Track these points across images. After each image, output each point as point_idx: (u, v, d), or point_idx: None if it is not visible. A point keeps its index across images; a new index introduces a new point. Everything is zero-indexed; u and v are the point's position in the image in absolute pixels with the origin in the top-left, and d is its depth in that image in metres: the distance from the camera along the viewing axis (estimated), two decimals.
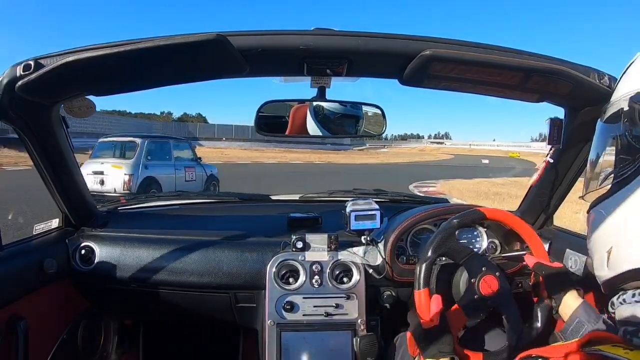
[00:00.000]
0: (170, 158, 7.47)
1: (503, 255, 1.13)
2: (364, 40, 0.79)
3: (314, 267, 1.16)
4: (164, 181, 7.14)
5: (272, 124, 1.07)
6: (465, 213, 0.98)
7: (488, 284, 0.92)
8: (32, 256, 1.07)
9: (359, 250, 1.19)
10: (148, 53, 0.76)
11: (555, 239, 1.23)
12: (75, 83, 0.87)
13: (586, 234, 0.62)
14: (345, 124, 1.09)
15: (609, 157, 0.57)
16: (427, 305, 0.87)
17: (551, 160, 1.10)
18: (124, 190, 6.47)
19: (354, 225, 1.20)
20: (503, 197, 9.32)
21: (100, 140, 7.51)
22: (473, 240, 1.22)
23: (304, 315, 1.15)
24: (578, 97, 0.88)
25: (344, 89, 1.03)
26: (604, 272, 0.55)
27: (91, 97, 0.95)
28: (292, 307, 1.14)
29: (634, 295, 0.50)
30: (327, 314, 1.14)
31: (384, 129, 1.10)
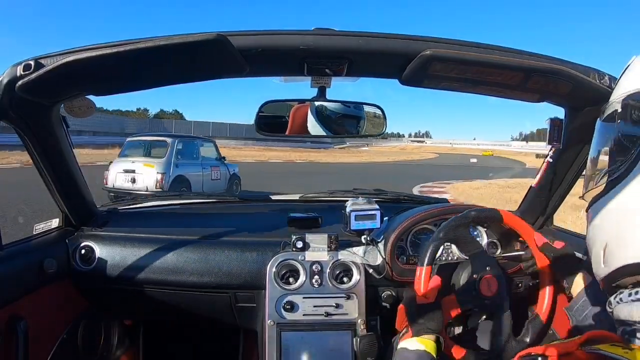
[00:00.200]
0: (197, 157, 7.61)
1: (503, 255, 1.13)
2: (364, 40, 0.79)
3: (314, 267, 1.16)
4: (193, 179, 7.26)
5: (272, 123, 1.07)
6: (484, 210, 0.99)
7: (488, 284, 0.92)
8: (32, 256, 1.07)
9: (359, 250, 1.19)
10: (148, 53, 0.76)
11: (555, 239, 1.23)
12: (75, 83, 0.87)
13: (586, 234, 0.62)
14: (347, 124, 1.09)
15: (606, 156, 0.57)
16: (426, 282, 0.88)
17: (551, 160, 1.10)
18: (156, 188, 6.57)
19: (354, 225, 1.20)
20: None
21: (129, 139, 7.69)
22: (459, 250, 1.22)
23: (304, 315, 1.15)
24: (578, 97, 0.88)
25: (344, 89, 1.03)
26: (600, 269, 0.56)
27: (91, 97, 0.95)
28: (292, 307, 1.14)
29: (630, 295, 0.50)
30: (327, 314, 1.14)
31: (384, 129, 1.10)
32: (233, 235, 1.27)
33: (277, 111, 1.06)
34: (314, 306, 1.15)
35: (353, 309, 1.16)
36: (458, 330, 1.11)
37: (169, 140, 7.24)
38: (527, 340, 0.93)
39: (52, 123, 0.99)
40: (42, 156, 1.02)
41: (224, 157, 8.29)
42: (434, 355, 0.81)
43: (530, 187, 1.29)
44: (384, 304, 1.18)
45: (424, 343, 0.81)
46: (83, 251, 1.19)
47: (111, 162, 7.12)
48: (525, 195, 1.33)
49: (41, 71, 0.77)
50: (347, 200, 1.26)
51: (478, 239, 1.21)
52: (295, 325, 1.14)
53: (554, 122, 0.99)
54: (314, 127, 1.05)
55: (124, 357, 1.53)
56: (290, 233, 1.21)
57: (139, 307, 1.32)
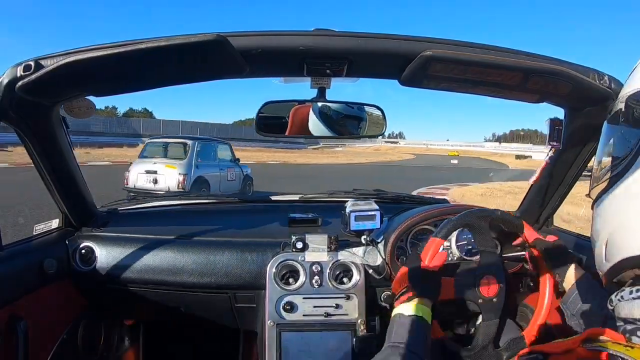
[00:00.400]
0: (215, 159, 7.85)
1: (503, 255, 1.13)
2: (364, 40, 0.79)
3: (313, 267, 1.16)
4: (211, 180, 7.47)
5: (272, 124, 1.07)
6: (511, 218, 0.99)
7: (488, 286, 0.93)
8: (32, 256, 1.07)
9: (359, 250, 1.19)
10: (148, 53, 0.76)
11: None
12: (76, 83, 0.87)
13: (585, 235, 0.63)
14: (349, 125, 1.10)
15: (610, 155, 0.58)
16: (433, 253, 0.89)
17: (551, 161, 1.10)
18: (178, 189, 6.79)
19: (354, 225, 1.20)
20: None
21: (149, 140, 8.05)
22: (468, 241, 1.22)
23: (304, 315, 1.15)
24: (578, 98, 0.88)
25: (343, 90, 1.04)
26: (602, 265, 0.56)
27: (91, 98, 0.95)
28: (292, 308, 1.14)
29: (631, 292, 0.51)
30: (327, 314, 1.14)
31: (384, 129, 1.10)
32: (233, 235, 1.27)
33: (276, 112, 1.06)
34: (314, 307, 1.15)
35: (353, 310, 1.16)
36: (456, 330, 1.11)
37: (189, 142, 7.44)
38: (525, 340, 0.93)
39: (52, 123, 0.99)
40: (42, 156, 1.02)
41: (238, 159, 8.51)
42: (429, 323, 0.81)
43: (530, 187, 1.29)
44: (383, 304, 1.18)
45: (421, 309, 0.81)
46: (83, 251, 1.19)
47: (131, 162, 7.42)
48: (525, 196, 1.33)
49: (41, 72, 0.77)
50: (347, 201, 1.26)
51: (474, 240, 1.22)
52: (295, 326, 1.14)
53: (553, 122, 0.99)
54: (316, 127, 1.05)
55: (124, 357, 1.53)
56: (290, 233, 1.21)
57: (139, 307, 1.32)
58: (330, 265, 1.17)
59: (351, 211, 1.20)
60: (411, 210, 1.26)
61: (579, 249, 1.14)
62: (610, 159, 0.57)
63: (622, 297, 0.52)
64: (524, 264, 1.09)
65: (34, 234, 1.17)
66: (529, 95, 0.91)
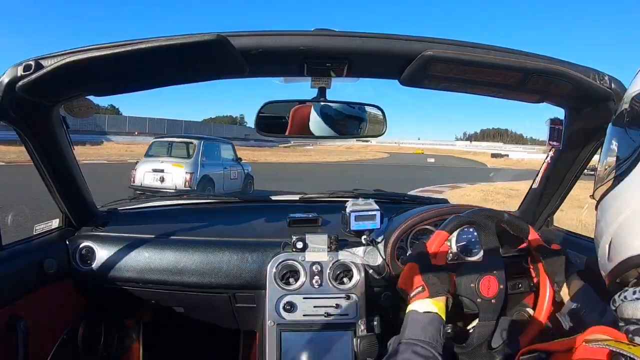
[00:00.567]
0: (219, 158, 8.06)
1: (503, 255, 1.13)
2: (364, 40, 0.79)
3: (314, 267, 1.16)
4: (216, 179, 7.68)
5: (272, 124, 1.07)
6: (519, 222, 0.99)
7: (487, 285, 0.92)
8: (32, 256, 1.07)
9: (359, 250, 1.19)
10: (148, 53, 0.76)
11: (555, 239, 1.23)
12: (76, 83, 0.87)
13: (585, 235, 0.63)
14: (350, 125, 1.10)
15: (614, 155, 0.58)
16: (438, 246, 0.90)
17: (551, 161, 1.10)
18: (185, 187, 6.98)
19: (354, 225, 1.20)
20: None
21: (154, 140, 8.19)
22: (473, 240, 1.22)
23: (304, 315, 1.15)
24: (578, 98, 0.88)
25: (343, 90, 1.03)
26: (605, 265, 0.56)
27: (91, 98, 0.95)
28: (292, 308, 1.14)
29: (634, 293, 0.51)
30: (327, 315, 1.14)
31: (384, 129, 1.10)
32: (233, 235, 1.27)
33: (277, 112, 1.06)
34: (314, 306, 1.15)
35: (353, 310, 1.16)
36: (452, 328, 1.11)
37: (195, 141, 7.65)
38: (524, 341, 0.93)
39: (52, 123, 0.99)
40: (42, 156, 1.02)
41: (240, 158, 8.72)
42: (444, 319, 0.81)
43: (530, 187, 1.29)
44: (384, 304, 1.18)
45: (436, 305, 0.82)
46: (83, 251, 1.19)
47: (138, 161, 7.61)
48: (525, 196, 1.33)
49: (41, 72, 0.77)
50: (347, 201, 1.26)
51: (479, 238, 1.22)
52: (295, 326, 1.14)
53: (553, 122, 0.99)
54: (316, 127, 1.05)
55: (124, 357, 1.53)
56: (290, 233, 1.21)
57: (139, 307, 1.32)
58: (330, 265, 1.17)
59: (351, 211, 1.20)
60: (411, 210, 1.26)
61: (579, 249, 1.14)
62: (614, 159, 0.57)
63: (625, 297, 0.52)
64: (524, 266, 1.09)
65: (34, 233, 1.17)
66: (529, 95, 0.91)
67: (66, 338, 1.20)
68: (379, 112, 1.08)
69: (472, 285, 0.93)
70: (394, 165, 23.48)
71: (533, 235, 0.98)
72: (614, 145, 0.58)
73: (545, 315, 0.96)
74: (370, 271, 1.17)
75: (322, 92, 0.97)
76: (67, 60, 0.76)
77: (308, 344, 1.14)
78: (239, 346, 1.61)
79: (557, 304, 0.94)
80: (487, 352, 0.93)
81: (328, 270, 1.16)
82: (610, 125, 0.61)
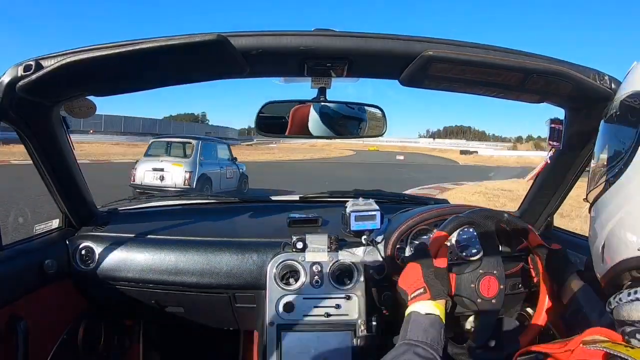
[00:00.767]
0: (216, 157, 8.35)
1: (503, 256, 1.13)
2: (364, 40, 0.79)
3: (314, 267, 1.16)
4: (213, 178, 7.98)
5: (271, 124, 1.07)
6: (518, 222, 1.00)
7: (487, 285, 0.92)
8: (32, 256, 1.07)
9: (359, 250, 1.19)
10: (149, 54, 0.76)
11: (555, 240, 1.23)
12: (76, 83, 0.87)
13: (585, 235, 0.63)
14: (349, 125, 1.10)
15: (606, 157, 0.58)
16: (438, 246, 0.90)
17: (551, 161, 1.10)
18: (184, 185, 7.28)
19: (354, 225, 1.20)
20: None
21: (153, 140, 8.48)
22: (473, 240, 1.22)
23: (304, 315, 1.15)
24: (578, 98, 0.88)
25: (343, 90, 1.03)
26: (600, 267, 0.56)
27: (91, 98, 0.95)
28: (292, 308, 1.14)
29: (629, 294, 0.51)
30: (327, 315, 1.14)
31: (384, 129, 1.10)
32: (233, 235, 1.27)
33: (277, 112, 1.06)
34: (314, 307, 1.15)
35: (353, 310, 1.16)
36: (451, 328, 1.11)
37: (193, 141, 7.93)
38: (524, 341, 0.93)
39: (53, 123, 0.99)
40: (42, 156, 1.03)
41: (235, 158, 8.98)
42: (443, 322, 0.81)
43: (530, 187, 1.29)
44: (384, 304, 1.18)
45: (438, 307, 0.81)
46: (83, 251, 1.19)
47: (137, 160, 7.87)
48: (525, 196, 1.33)
49: (41, 72, 0.77)
50: (347, 201, 1.26)
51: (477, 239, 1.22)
52: (295, 326, 1.14)
53: (554, 122, 0.99)
54: (316, 127, 1.06)
55: (124, 357, 1.53)
56: (290, 234, 1.21)
57: (139, 307, 1.32)
58: (330, 265, 1.17)
59: (351, 211, 1.20)
60: (411, 210, 1.26)
61: (579, 249, 1.14)
62: (606, 161, 0.57)
63: (620, 299, 0.52)
64: (524, 267, 1.09)
65: (34, 233, 1.17)
66: (529, 95, 0.91)
67: (66, 338, 1.20)
68: (379, 112, 1.08)
69: (472, 285, 0.93)
70: (363, 164, 22.12)
71: (533, 235, 0.98)
72: (606, 147, 0.58)
73: (544, 316, 0.96)
74: (370, 271, 1.17)
75: (322, 92, 0.97)
76: (67, 60, 0.76)
77: (308, 344, 1.14)
78: (239, 346, 1.61)
79: (556, 304, 0.94)
80: (487, 352, 0.93)
81: (328, 271, 1.16)
82: (602, 125, 0.61)
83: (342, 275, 1.17)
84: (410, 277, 0.87)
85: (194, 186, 7.28)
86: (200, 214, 1.56)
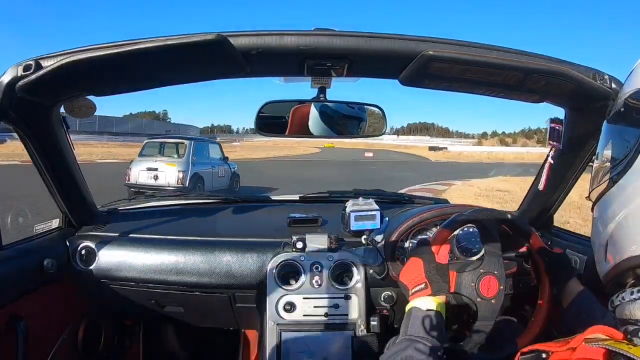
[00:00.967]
0: (208, 157, 8.64)
1: (504, 256, 1.13)
2: (365, 40, 0.79)
3: (314, 267, 1.16)
4: (205, 177, 8.25)
5: (271, 124, 1.07)
6: (522, 223, 1.00)
7: (487, 285, 0.92)
8: (32, 256, 1.07)
9: (359, 250, 1.19)
10: (148, 53, 0.76)
11: (555, 239, 1.23)
12: (76, 83, 0.87)
13: (585, 235, 0.63)
14: (349, 125, 1.10)
15: (609, 156, 0.58)
16: (440, 244, 0.91)
17: (551, 161, 1.10)
18: (177, 184, 7.57)
19: (354, 225, 1.20)
20: None
21: (147, 140, 8.77)
22: (472, 239, 1.22)
23: (304, 315, 1.15)
24: (578, 98, 0.88)
25: (344, 90, 1.03)
26: (602, 266, 0.56)
27: (91, 97, 0.95)
28: (292, 308, 1.14)
29: (632, 293, 0.51)
30: (327, 315, 1.14)
31: (384, 129, 1.10)
32: (233, 235, 1.27)
33: (277, 111, 1.06)
34: (314, 306, 1.15)
35: (353, 310, 1.16)
36: (450, 326, 1.11)
37: (186, 142, 8.21)
38: (523, 341, 0.93)
39: (52, 123, 0.99)
40: (42, 156, 1.03)
41: (226, 157, 9.25)
42: (444, 317, 0.82)
43: (530, 187, 1.29)
44: (383, 304, 1.18)
45: (438, 303, 0.82)
46: (83, 251, 1.19)
47: (132, 161, 8.13)
48: (525, 196, 1.33)
49: (41, 72, 0.77)
50: (347, 201, 1.26)
51: (478, 239, 1.21)
52: (295, 326, 1.14)
53: (553, 122, 0.99)
54: (316, 127, 1.06)
55: (124, 357, 1.53)
56: (290, 233, 1.21)
57: (139, 307, 1.32)
58: (330, 265, 1.17)
59: (351, 211, 1.20)
60: (411, 210, 1.26)
61: (579, 249, 1.14)
62: (609, 160, 0.56)
63: (623, 298, 0.52)
64: (525, 267, 1.09)
65: (34, 233, 1.17)
66: (529, 95, 0.91)
67: (66, 338, 1.20)
68: (379, 112, 1.08)
69: (472, 284, 0.93)
70: (330, 162, 20.64)
71: (535, 237, 0.98)
72: (609, 146, 0.58)
73: (544, 317, 0.96)
74: (370, 271, 1.17)
75: (322, 91, 0.97)
76: (67, 60, 0.76)
77: (308, 344, 1.14)
78: (239, 346, 1.61)
79: (556, 306, 0.94)
80: (487, 352, 0.93)
81: (328, 271, 1.16)
82: (605, 124, 0.61)
83: (342, 275, 1.17)
84: (412, 272, 0.88)
85: (187, 185, 7.57)
86: (200, 213, 1.56)
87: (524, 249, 1.05)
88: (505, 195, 8.92)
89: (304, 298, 1.15)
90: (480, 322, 0.94)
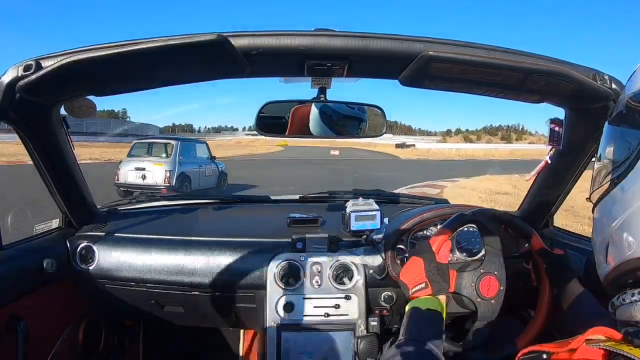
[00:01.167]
0: (195, 156, 8.96)
1: (505, 256, 1.13)
2: (365, 40, 0.79)
3: (314, 267, 1.16)
4: (192, 176, 8.59)
5: (271, 124, 1.07)
6: (522, 224, 1.02)
7: (487, 285, 0.92)
8: (32, 256, 1.07)
9: (359, 250, 1.19)
10: (149, 54, 0.76)
11: (555, 240, 1.23)
12: (76, 83, 0.87)
13: (585, 235, 0.63)
14: (348, 125, 1.10)
15: (611, 157, 0.58)
16: (441, 243, 0.91)
17: (551, 161, 1.10)
18: (164, 183, 7.92)
19: (354, 225, 1.20)
20: None
21: (136, 141, 9.09)
22: (473, 239, 1.22)
23: (304, 315, 1.15)
24: (578, 98, 0.88)
25: (343, 90, 1.03)
26: (602, 268, 0.56)
27: (92, 98, 0.95)
28: (292, 308, 1.14)
29: (633, 295, 0.50)
30: (327, 315, 1.14)
31: (384, 129, 1.10)
32: (233, 235, 1.27)
33: (277, 111, 1.06)
34: (314, 307, 1.15)
35: (353, 310, 1.16)
36: (449, 326, 1.11)
37: (173, 142, 8.48)
38: (522, 342, 0.93)
39: (52, 123, 0.99)
40: (42, 156, 1.03)
41: (214, 157, 9.59)
42: (444, 317, 0.82)
43: (530, 187, 1.29)
44: (383, 304, 1.18)
45: (437, 304, 0.82)
46: (83, 251, 1.19)
47: (121, 161, 8.44)
48: (525, 196, 1.33)
49: (41, 72, 0.77)
50: (347, 201, 1.26)
51: (478, 239, 1.21)
52: (295, 326, 1.14)
53: (553, 122, 0.99)
54: (316, 127, 1.06)
55: (124, 357, 1.53)
56: (290, 233, 1.21)
57: (139, 307, 1.32)
58: (330, 265, 1.17)
59: (351, 211, 1.20)
60: (411, 210, 1.26)
61: (579, 249, 1.14)
62: (611, 161, 0.56)
63: (623, 299, 0.52)
64: (525, 267, 1.09)
65: (34, 233, 1.17)
66: (529, 95, 0.91)
67: (66, 338, 1.20)
68: (379, 112, 1.08)
69: (472, 284, 0.93)
70: (294, 161, 19.86)
71: (536, 238, 0.98)
72: (610, 147, 0.57)
73: (544, 317, 0.96)
74: (370, 271, 1.17)
75: (322, 92, 0.97)
76: (67, 60, 0.75)
77: (308, 344, 1.14)
78: (239, 346, 1.61)
79: (556, 306, 0.94)
80: (486, 352, 0.93)
81: (328, 270, 1.16)
82: (606, 126, 0.61)
83: (341, 275, 1.17)
84: (412, 271, 0.88)
85: (174, 184, 7.92)
86: (200, 214, 1.56)
87: (524, 250, 1.05)
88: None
89: (304, 298, 1.15)
90: (480, 322, 0.94)
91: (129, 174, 8.02)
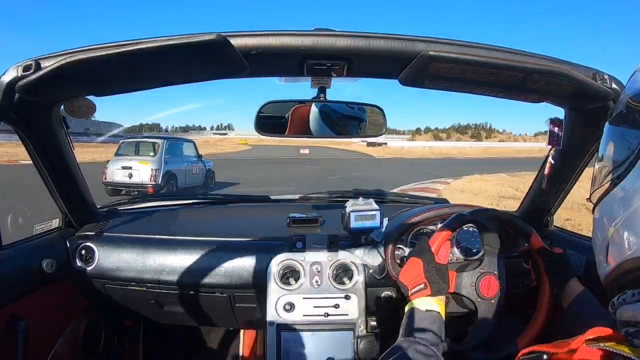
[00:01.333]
0: (182, 155, 9.15)
1: (505, 256, 1.13)
2: (364, 40, 0.79)
3: (314, 267, 1.16)
4: (179, 174, 8.79)
5: (271, 124, 1.07)
6: (522, 224, 1.02)
7: (487, 285, 0.92)
8: (32, 256, 1.07)
9: (359, 250, 1.19)
10: (148, 53, 0.76)
11: (555, 240, 1.23)
12: (76, 83, 0.87)
13: (585, 235, 0.63)
14: (348, 125, 1.10)
15: (611, 157, 0.58)
16: (441, 244, 0.91)
17: (551, 161, 1.10)
18: (150, 182, 8.11)
19: (354, 225, 1.20)
20: None
21: (123, 140, 9.19)
22: (472, 239, 1.22)
23: (304, 315, 1.15)
24: (578, 98, 0.88)
25: (343, 90, 1.02)
26: (603, 268, 0.56)
27: (91, 98, 0.95)
28: (292, 308, 1.14)
29: (634, 295, 0.50)
30: (327, 315, 1.14)
31: (384, 129, 1.10)
32: (233, 235, 1.27)
33: (276, 111, 1.06)
34: (314, 306, 1.15)
35: (353, 310, 1.16)
36: (449, 326, 1.12)
37: (159, 141, 8.63)
38: (522, 342, 0.93)
39: (52, 123, 0.99)
40: (42, 156, 1.03)
41: (200, 155, 9.80)
42: (444, 318, 0.82)
43: (530, 187, 1.29)
44: (384, 304, 1.18)
45: (438, 304, 0.82)
46: (83, 251, 1.19)
47: (109, 160, 8.57)
48: (525, 196, 1.33)
49: (41, 72, 0.77)
50: (347, 201, 1.26)
51: (478, 239, 1.21)
52: (295, 326, 1.14)
53: (554, 122, 0.99)
54: (316, 127, 1.06)
55: (124, 357, 1.53)
56: (290, 233, 1.21)
57: (139, 307, 1.32)
58: (330, 265, 1.17)
59: (351, 211, 1.20)
60: (411, 210, 1.26)
61: (579, 249, 1.14)
62: (611, 161, 0.56)
63: (624, 299, 0.52)
64: (525, 267, 1.09)
65: (34, 233, 1.17)
66: (529, 95, 0.91)
67: (66, 338, 1.20)
68: (379, 112, 1.08)
69: (472, 284, 0.93)
70: (262, 160, 19.17)
71: (535, 237, 0.98)
72: (610, 147, 0.57)
73: (544, 317, 0.96)
74: (370, 271, 1.17)
75: (322, 91, 0.97)
76: (67, 60, 0.75)
77: (308, 344, 1.14)
78: (239, 346, 1.61)
79: (556, 306, 0.94)
80: (484, 352, 0.93)
81: (328, 270, 1.16)
82: (607, 126, 0.61)
83: (341, 275, 1.17)
84: (412, 272, 0.88)
85: (160, 182, 8.11)
86: (200, 213, 1.56)
87: (523, 249, 1.05)
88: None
89: (303, 298, 1.15)
90: (480, 322, 0.94)
91: (116, 173, 8.16)
